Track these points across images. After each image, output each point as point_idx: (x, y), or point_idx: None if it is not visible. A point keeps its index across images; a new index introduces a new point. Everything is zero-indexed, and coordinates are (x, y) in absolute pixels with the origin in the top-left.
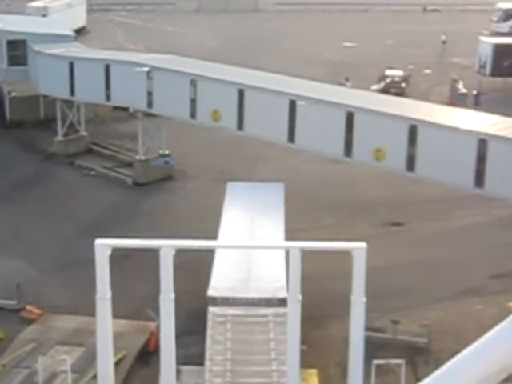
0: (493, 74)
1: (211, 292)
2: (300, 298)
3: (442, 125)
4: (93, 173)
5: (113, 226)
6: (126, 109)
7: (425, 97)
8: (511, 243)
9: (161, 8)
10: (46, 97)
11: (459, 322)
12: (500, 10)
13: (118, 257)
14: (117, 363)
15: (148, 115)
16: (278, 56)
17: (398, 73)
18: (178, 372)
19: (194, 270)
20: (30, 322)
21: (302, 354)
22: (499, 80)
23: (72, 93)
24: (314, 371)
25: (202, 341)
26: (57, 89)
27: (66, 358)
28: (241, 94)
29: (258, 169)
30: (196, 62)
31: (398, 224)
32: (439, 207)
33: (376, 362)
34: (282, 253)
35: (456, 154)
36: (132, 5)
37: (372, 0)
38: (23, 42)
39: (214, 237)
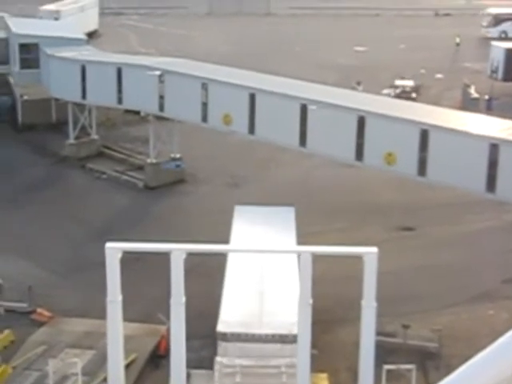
0: (505, 79)
1: (221, 327)
2: (311, 301)
3: (454, 129)
4: (104, 176)
5: (124, 230)
6: (137, 112)
7: (436, 101)
8: None
9: (173, 12)
10: (57, 100)
11: (471, 326)
12: (490, 14)
13: (130, 260)
14: (127, 366)
15: (159, 119)
16: (290, 60)
17: (409, 83)
18: (188, 375)
19: (206, 273)
20: (41, 324)
21: (313, 358)
22: (511, 85)
23: (84, 96)
24: (324, 375)
25: (213, 344)
26: (69, 92)
27: (77, 361)
28: (252, 97)
29: (269, 173)
30: (207, 66)
31: (409, 228)
32: (451, 212)
33: (387, 367)
34: (296, 282)
35: (467, 158)
36: (144, 8)
37: (384, 4)
38: (35, 46)
39: (225, 241)
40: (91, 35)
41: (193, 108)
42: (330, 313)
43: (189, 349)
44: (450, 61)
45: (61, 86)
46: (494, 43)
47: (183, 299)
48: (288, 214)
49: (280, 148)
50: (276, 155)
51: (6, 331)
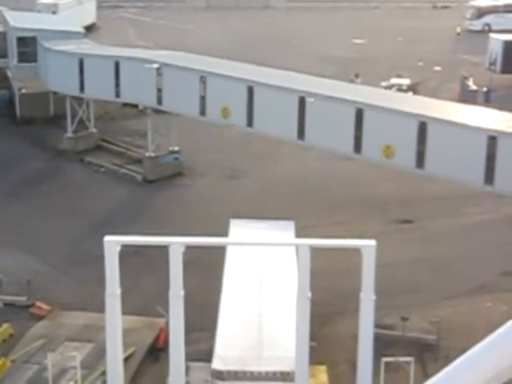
0: (503, 71)
1: (217, 364)
2: (309, 295)
3: (452, 121)
4: (102, 169)
5: (122, 223)
6: (135, 105)
7: (435, 94)
8: None
9: (171, 5)
10: (55, 93)
11: (469, 319)
12: (473, 7)
13: (128, 253)
14: (126, 359)
15: (158, 112)
16: (288, 53)
17: (405, 81)
18: (187, 368)
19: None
20: (40, 318)
21: (312, 350)
22: (510, 77)
23: (82, 89)
24: (323, 368)
25: (211, 337)
26: (66, 85)
27: (76, 354)
28: (250, 90)
29: (267, 166)
30: (205, 59)
31: (407, 221)
32: (449, 204)
33: (385, 359)
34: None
35: (466, 150)
36: (142, 2)
37: None
38: (33, 39)
39: (224, 234)
40: (89, 28)
41: (191, 101)
42: (329, 305)
43: (188, 342)
44: (449, 53)
45: (59, 80)
46: (493, 35)
47: (182, 292)
48: (288, 230)
49: (278, 141)
50: (274, 148)
51: (5, 325)
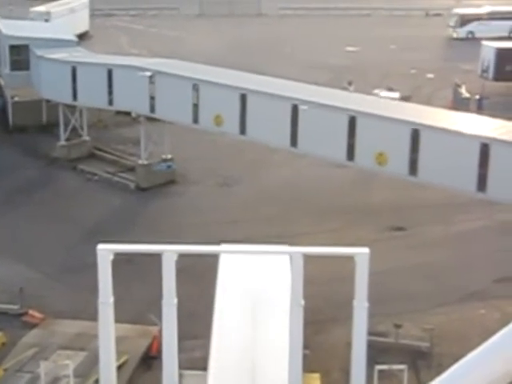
0: (496, 79)
1: None
2: (303, 303)
3: (445, 129)
4: (95, 177)
5: (115, 231)
6: (128, 113)
7: (427, 101)
8: None
9: (164, 13)
10: (48, 101)
11: (462, 326)
12: (456, 14)
13: (121, 261)
14: (119, 367)
15: (150, 120)
16: (281, 60)
17: (394, 95)
18: (181, 376)
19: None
20: (33, 326)
21: (305, 358)
22: (502, 84)
23: (74, 97)
24: (316, 375)
25: (205, 345)
26: (59, 93)
27: (69, 363)
28: (243, 98)
29: (260, 173)
30: (198, 67)
31: (400, 228)
32: (442, 211)
33: (379, 367)
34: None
35: (458, 158)
36: (135, 10)
37: (375, 4)
38: (26, 47)
39: (216, 241)
40: (82, 36)
41: (184, 109)
42: (322, 313)
43: (181, 350)
44: (441, 60)
45: (51, 88)
46: (485, 42)
47: (175, 300)
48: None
49: (271, 148)
50: (267, 156)
51: None
